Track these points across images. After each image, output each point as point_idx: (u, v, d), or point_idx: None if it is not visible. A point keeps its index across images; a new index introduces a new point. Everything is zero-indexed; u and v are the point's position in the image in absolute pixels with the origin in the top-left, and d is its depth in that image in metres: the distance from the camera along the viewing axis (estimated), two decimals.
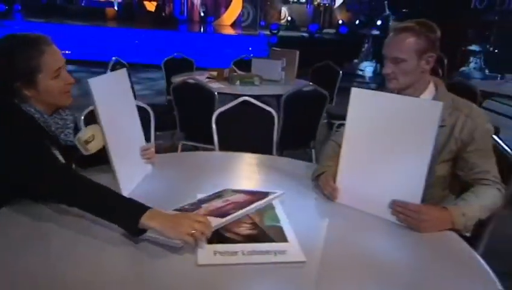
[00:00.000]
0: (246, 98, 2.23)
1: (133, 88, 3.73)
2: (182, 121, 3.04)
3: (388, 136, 1.29)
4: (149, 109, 2.21)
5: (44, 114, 1.29)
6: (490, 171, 1.40)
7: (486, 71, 7.87)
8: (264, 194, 1.32)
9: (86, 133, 1.32)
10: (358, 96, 1.34)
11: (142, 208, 1.07)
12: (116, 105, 1.37)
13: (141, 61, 7.78)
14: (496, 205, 1.37)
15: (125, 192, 1.33)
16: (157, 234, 1.05)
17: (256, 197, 1.29)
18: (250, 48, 9.29)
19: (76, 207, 1.14)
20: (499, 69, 6.75)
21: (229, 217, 1.14)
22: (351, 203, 1.38)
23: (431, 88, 1.50)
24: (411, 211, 1.24)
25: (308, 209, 1.39)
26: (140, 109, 2.24)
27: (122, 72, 1.49)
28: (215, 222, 1.11)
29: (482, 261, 1.12)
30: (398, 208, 1.27)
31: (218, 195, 1.35)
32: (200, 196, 1.36)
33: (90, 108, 1.70)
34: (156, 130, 3.30)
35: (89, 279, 0.95)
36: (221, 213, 1.18)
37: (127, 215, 1.07)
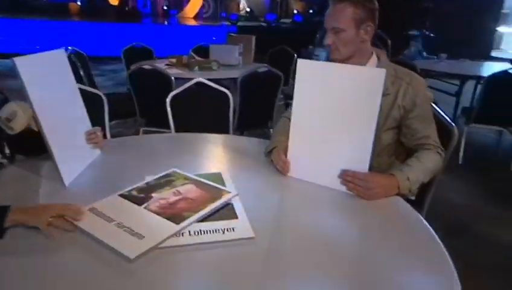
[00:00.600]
0: (200, 79, 2.07)
1: (92, 79, 3.53)
2: (141, 107, 2.84)
3: (335, 105, 1.19)
4: (102, 95, 2.00)
5: None
6: (431, 136, 1.36)
7: (424, 54, 8.02)
8: (217, 191, 1.14)
9: (5, 110, 1.12)
10: (304, 67, 1.23)
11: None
12: (51, 87, 1.18)
13: (105, 54, 7.34)
14: (437, 168, 1.33)
15: (67, 180, 1.16)
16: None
17: (209, 194, 1.11)
18: (214, 38, 8.99)
19: None
20: (435, 51, 6.89)
21: (183, 224, 0.95)
22: (302, 176, 1.28)
23: (373, 58, 1.41)
24: (359, 180, 1.16)
25: (259, 185, 1.27)
26: (95, 97, 2.05)
27: (59, 53, 1.29)
28: (170, 229, 0.94)
29: (425, 223, 1.06)
30: (347, 177, 1.18)
31: (167, 180, 1.19)
32: (148, 178, 1.20)
33: None
34: (117, 117, 3.11)
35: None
36: (173, 214, 1.00)
37: None
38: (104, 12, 11.30)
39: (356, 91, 1.14)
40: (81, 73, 3.14)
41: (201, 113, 2.11)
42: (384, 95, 1.33)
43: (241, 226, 0.97)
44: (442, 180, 1.51)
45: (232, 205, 1.07)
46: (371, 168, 1.18)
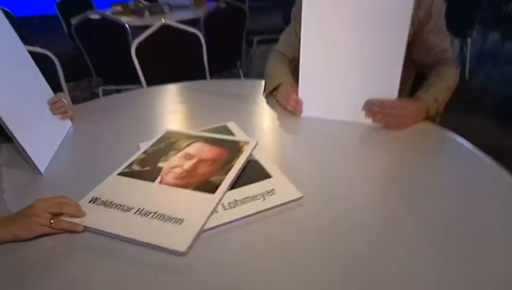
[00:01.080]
0: (166, 22, 1.69)
1: (30, 42, 2.91)
2: (95, 65, 2.38)
3: (354, 28, 0.94)
4: (51, 55, 1.58)
5: None
6: (448, 49, 1.16)
7: None
8: (233, 144, 0.89)
9: None
10: None
11: None
12: None
13: (35, 12, 6.26)
14: (456, 84, 1.16)
15: (42, 166, 0.86)
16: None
17: (227, 149, 0.87)
18: None
19: None
20: None
21: (220, 192, 0.72)
22: (318, 114, 1.06)
23: None
24: (390, 108, 0.97)
25: (274, 132, 1.04)
26: (42, 58, 1.62)
27: None
28: (208, 201, 0.69)
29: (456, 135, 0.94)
30: (374, 108, 0.98)
31: (167, 143, 0.92)
32: (143, 145, 0.93)
33: None
34: (68, 80, 2.62)
35: None
36: (200, 183, 0.75)
37: None
38: None
39: (381, 5, 0.90)
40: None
41: (172, 60, 1.77)
42: None
43: (281, 186, 0.75)
44: None
45: (257, 160, 0.84)
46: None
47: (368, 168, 0.84)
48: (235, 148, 0.87)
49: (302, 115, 1.08)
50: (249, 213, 0.68)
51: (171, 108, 1.22)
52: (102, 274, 0.57)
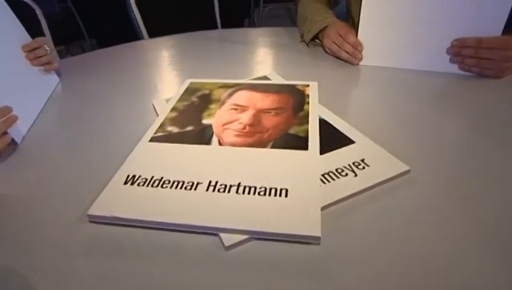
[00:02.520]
0: None
1: None
2: (87, 25, 2.06)
3: None
4: (32, 3, 1.27)
5: None
6: None
7: None
8: (290, 87, 0.66)
9: None
10: None
11: None
12: None
13: None
14: None
15: (18, 136, 0.59)
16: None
17: (286, 93, 0.64)
18: None
19: None
20: None
21: (316, 147, 0.50)
22: (384, 63, 0.79)
23: None
24: (488, 50, 0.69)
25: (331, 82, 0.77)
26: (21, 9, 1.31)
27: None
28: (313, 159, 0.47)
29: None
30: (466, 50, 0.71)
31: (199, 95, 0.67)
32: (161, 103, 0.67)
33: None
34: (56, 44, 2.31)
35: None
36: (280, 138, 0.52)
37: None
38: None
39: None
40: None
41: (177, 9, 1.46)
42: None
43: (376, 155, 0.50)
44: None
45: (324, 119, 0.59)
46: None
47: (472, 128, 0.58)
48: (295, 92, 0.63)
49: (362, 63, 0.81)
50: (369, 185, 0.44)
51: (184, 59, 0.94)
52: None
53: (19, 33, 0.74)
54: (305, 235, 0.37)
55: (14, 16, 0.75)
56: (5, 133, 0.55)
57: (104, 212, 0.41)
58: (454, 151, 0.52)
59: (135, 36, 1.41)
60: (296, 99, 0.62)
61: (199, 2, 1.49)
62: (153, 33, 1.33)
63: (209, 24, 1.52)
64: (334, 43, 0.83)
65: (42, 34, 1.22)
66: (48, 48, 0.74)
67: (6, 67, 0.64)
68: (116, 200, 0.43)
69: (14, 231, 0.42)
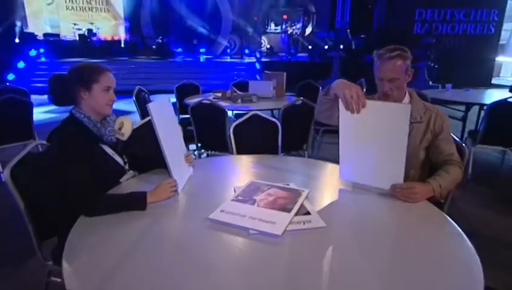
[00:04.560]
0: (256, 112, 2.39)
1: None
2: (198, 134, 3.18)
3: (373, 133, 1.43)
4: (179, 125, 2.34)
5: (91, 118, 1.47)
6: (454, 153, 1.65)
7: (430, 82, 8.27)
8: (296, 191, 1.44)
9: (116, 124, 1.51)
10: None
11: (143, 193, 1.33)
12: (166, 122, 1.51)
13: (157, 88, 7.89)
14: (459, 179, 1.59)
15: (180, 187, 1.47)
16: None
17: (292, 193, 1.42)
18: (243, 73, 9.59)
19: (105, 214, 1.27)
20: (439, 80, 7.16)
21: (293, 212, 1.26)
22: (354, 179, 1.53)
23: (407, 96, 1.71)
24: (406, 189, 1.40)
25: (318, 189, 1.54)
26: None
27: (166, 99, 1.62)
28: (287, 216, 1.24)
29: (449, 218, 1.31)
30: (396, 189, 1.41)
31: (253, 188, 1.47)
32: (237, 189, 1.50)
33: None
34: None
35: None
36: (282, 207, 1.30)
37: (139, 201, 1.31)
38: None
39: (389, 122, 1.39)
40: None
41: (255, 139, 2.42)
42: (419, 122, 1.64)
43: (314, 219, 1.25)
44: (454, 193, 1.72)
45: (303, 205, 1.35)
46: (405, 179, 1.43)
47: (378, 229, 1.29)
48: (296, 192, 1.43)
49: (341, 178, 1.56)
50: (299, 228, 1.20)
51: (252, 169, 1.81)
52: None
53: (182, 144, 1.69)
54: (271, 233, 1.13)
55: (181, 133, 1.70)
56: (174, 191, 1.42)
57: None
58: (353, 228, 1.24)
59: (226, 147, 2.36)
60: (294, 195, 1.39)
61: (270, 135, 2.44)
62: (240, 148, 2.27)
63: (276, 148, 2.43)
64: (345, 88, 1.38)
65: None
66: (192, 156, 1.68)
67: (178, 158, 1.57)
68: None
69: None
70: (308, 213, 1.29)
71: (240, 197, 1.39)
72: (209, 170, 1.81)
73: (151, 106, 1.37)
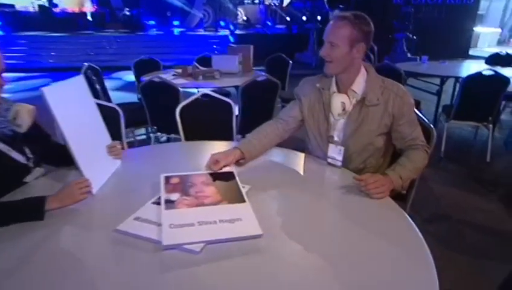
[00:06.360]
0: (206, 91, 2.12)
1: (107, 92, 3.56)
2: (152, 116, 2.89)
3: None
4: (118, 108, 2.05)
5: None
6: (418, 137, 1.44)
7: (408, 54, 8.07)
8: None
9: (11, 113, 1.23)
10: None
11: (41, 200, 1.08)
12: (74, 109, 1.23)
13: (115, 64, 7.40)
14: (424, 164, 1.40)
15: (94, 188, 1.22)
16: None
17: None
18: (215, 46, 9.11)
19: None
20: (418, 52, 6.97)
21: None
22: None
23: (363, 72, 1.47)
24: (365, 185, 1.21)
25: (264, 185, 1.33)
26: (111, 110, 2.10)
27: (79, 79, 1.34)
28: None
29: (407, 216, 1.13)
30: (361, 183, 1.22)
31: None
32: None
33: None
34: (131, 126, 3.16)
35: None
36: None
37: (34, 210, 1.06)
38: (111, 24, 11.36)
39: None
40: (97, 87, 3.19)
41: (207, 121, 2.16)
42: (375, 105, 1.41)
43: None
44: (425, 172, 1.57)
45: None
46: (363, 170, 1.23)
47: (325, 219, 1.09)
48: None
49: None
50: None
51: (194, 160, 1.57)
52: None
53: (103, 131, 1.41)
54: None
55: (102, 122, 1.42)
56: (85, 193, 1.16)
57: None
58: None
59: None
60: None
61: (224, 117, 2.18)
62: (190, 132, 2.00)
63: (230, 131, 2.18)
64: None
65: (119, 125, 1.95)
66: (119, 147, 1.41)
67: (93, 151, 1.30)
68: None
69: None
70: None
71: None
72: (142, 161, 1.55)
73: (46, 91, 1.10)
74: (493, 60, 4.49)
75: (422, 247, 0.97)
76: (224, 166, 1.38)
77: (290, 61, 4.11)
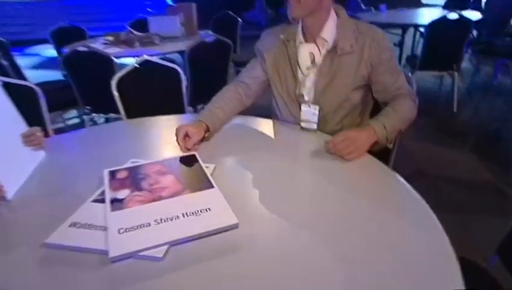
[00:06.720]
0: (145, 57, 1.87)
1: (18, 69, 3.11)
2: (82, 95, 2.56)
3: None
4: (34, 86, 1.74)
5: None
6: (402, 86, 1.35)
7: (362, 6, 8.11)
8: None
9: None
10: None
11: None
12: None
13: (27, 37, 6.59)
14: (412, 114, 1.34)
15: (9, 192, 0.99)
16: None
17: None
18: (149, 9, 8.47)
19: None
20: (373, 3, 7.02)
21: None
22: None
23: (333, 16, 1.33)
24: (338, 143, 1.13)
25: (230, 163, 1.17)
26: (26, 90, 1.78)
27: None
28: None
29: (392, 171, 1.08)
30: (329, 145, 1.15)
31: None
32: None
33: None
34: (57, 109, 2.80)
35: None
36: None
37: None
38: None
39: None
40: (4, 63, 2.74)
41: (152, 93, 1.93)
42: (348, 53, 1.28)
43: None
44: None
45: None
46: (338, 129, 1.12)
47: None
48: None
49: None
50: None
51: (142, 139, 1.36)
52: None
53: (14, 118, 1.15)
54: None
55: (11, 105, 1.16)
56: None
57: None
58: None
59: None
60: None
61: (171, 86, 1.97)
62: (132, 107, 1.77)
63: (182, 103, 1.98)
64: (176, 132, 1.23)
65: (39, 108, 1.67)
66: (39, 134, 1.17)
67: (6, 147, 1.06)
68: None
69: None
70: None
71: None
72: (74, 150, 1.31)
73: None
74: (453, 3, 4.59)
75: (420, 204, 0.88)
76: (196, 143, 1.23)
77: (240, 20, 3.87)
